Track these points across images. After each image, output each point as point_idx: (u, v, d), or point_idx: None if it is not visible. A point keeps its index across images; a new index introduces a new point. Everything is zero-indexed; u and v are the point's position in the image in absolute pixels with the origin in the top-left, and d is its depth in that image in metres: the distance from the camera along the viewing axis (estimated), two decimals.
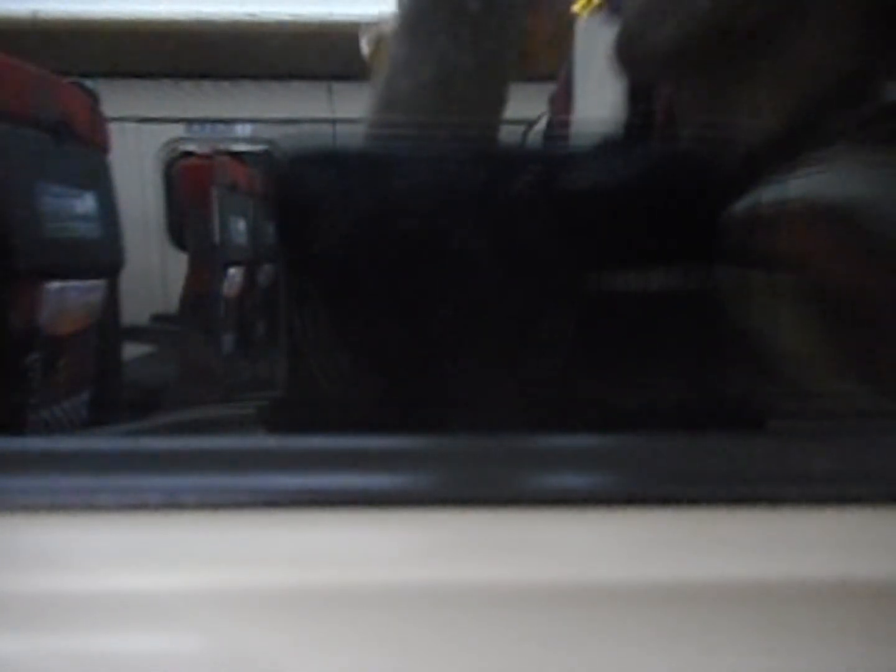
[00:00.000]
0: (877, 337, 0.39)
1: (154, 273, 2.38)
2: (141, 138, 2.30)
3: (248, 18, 1.61)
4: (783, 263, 0.38)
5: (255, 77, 1.89)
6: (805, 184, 0.41)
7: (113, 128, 1.37)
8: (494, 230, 0.32)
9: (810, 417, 0.35)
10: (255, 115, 2.14)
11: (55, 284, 1.08)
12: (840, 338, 0.39)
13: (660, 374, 0.32)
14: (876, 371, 0.39)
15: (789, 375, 0.39)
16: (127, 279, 1.37)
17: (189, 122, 2.39)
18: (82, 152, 1.21)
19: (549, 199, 0.32)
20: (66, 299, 1.12)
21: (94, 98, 1.28)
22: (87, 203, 1.20)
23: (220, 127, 2.47)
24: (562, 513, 0.28)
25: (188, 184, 2.34)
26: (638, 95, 0.54)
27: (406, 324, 0.32)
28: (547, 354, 0.32)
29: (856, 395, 0.39)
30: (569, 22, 0.69)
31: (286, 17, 1.62)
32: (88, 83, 1.29)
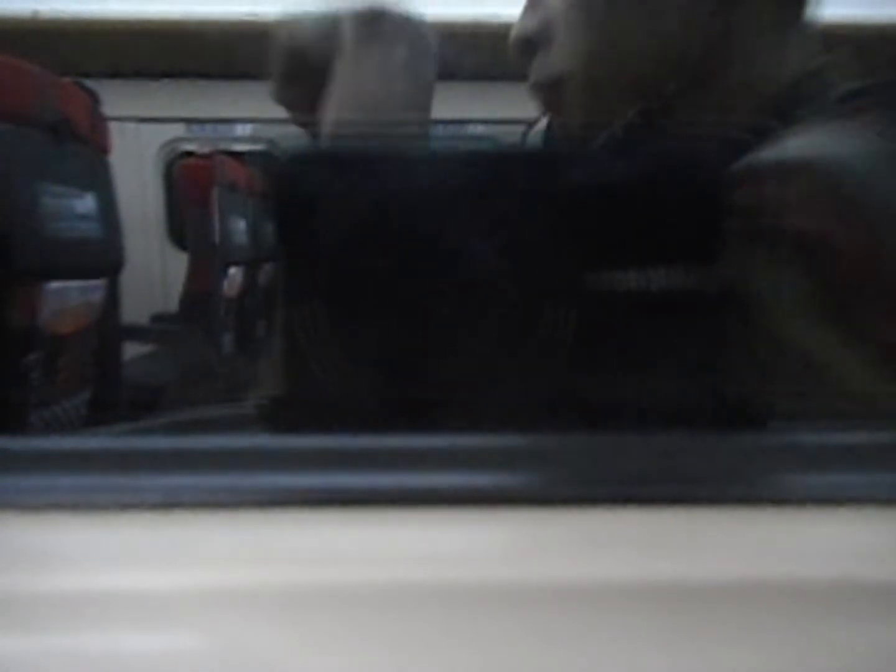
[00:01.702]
0: (862, 296, 0.40)
1: (154, 273, 2.38)
2: (141, 138, 2.30)
3: (249, 18, 1.61)
4: (771, 219, 0.39)
5: (255, 77, 1.89)
6: (791, 145, 0.42)
7: (113, 127, 1.37)
8: (495, 230, 0.32)
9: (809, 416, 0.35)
10: (255, 115, 2.14)
11: (55, 284, 1.08)
12: (831, 296, 0.40)
13: (661, 373, 0.32)
14: (867, 333, 0.39)
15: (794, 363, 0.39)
16: (127, 279, 1.37)
17: (189, 121, 2.39)
18: (82, 152, 1.21)
19: (549, 198, 0.32)
20: (67, 299, 1.12)
21: (94, 98, 1.28)
22: (87, 203, 1.20)
23: (221, 127, 2.47)
24: (563, 511, 0.28)
25: (188, 184, 2.34)
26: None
27: (406, 322, 0.32)
28: (548, 354, 0.32)
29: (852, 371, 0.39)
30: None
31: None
32: (88, 83, 1.29)
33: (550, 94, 0.55)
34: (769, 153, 0.41)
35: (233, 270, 2.23)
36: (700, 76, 0.51)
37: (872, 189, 0.40)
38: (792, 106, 0.49)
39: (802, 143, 0.42)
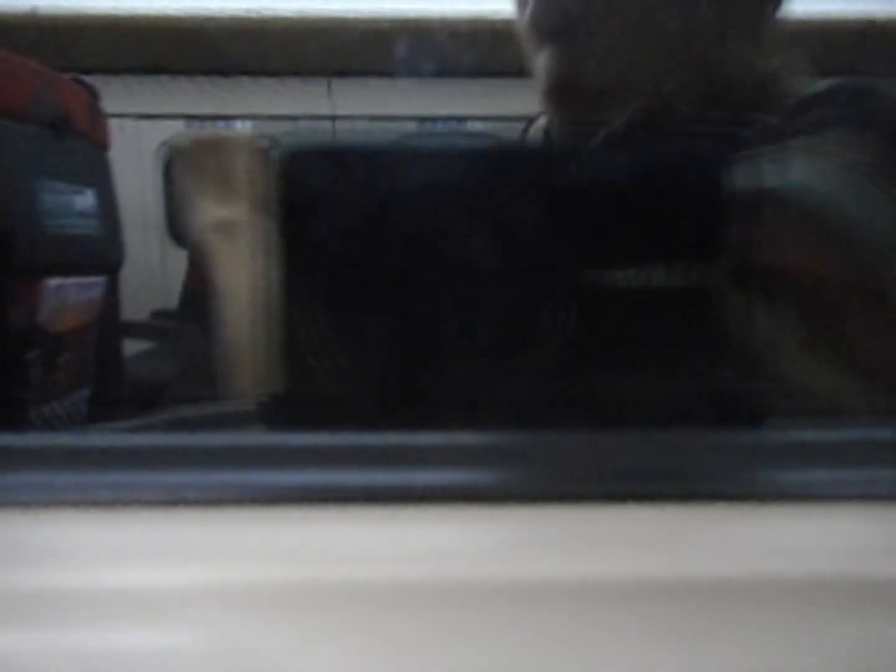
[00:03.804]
0: (840, 323, 0.40)
1: (154, 269, 2.38)
2: (141, 135, 2.29)
3: (248, 14, 1.61)
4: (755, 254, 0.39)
5: (255, 73, 1.89)
6: (757, 172, 0.42)
7: (113, 124, 1.37)
8: (495, 227, 0.32)
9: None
10: (254, 112, 2.14)
11: (55, 281, 1.08)
12: (807, 324, 0.40)
13: (659, 371, 0.32)
14: (844, 358, 0.40)
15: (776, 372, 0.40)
16: (127, 275, 1.37)
17: (189, 118, 2.38)
18: (82, 149, 1.21)
19: (548, 195, 0.32)
20: (66, 296, 1.12)
21: (93, 94, 1.28)
22: (86, 200, 1.19)
23: (221, 123, 2.46)
24: (560, 508, 0.28)
25: None
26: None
27: (406, 320, 0.32)
28: (545, 351, 0.32)
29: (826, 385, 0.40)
30: None
31: (286, 14, 1.62)
32: (88, 79, 1.28)
33: (573, 92, 0.54)
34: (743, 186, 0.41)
35: None
36: (697, 74, 0.51)
37: (846, 216, 0.40)
38: (758, 107, 0.50)
39: (773, 172, 0.42)
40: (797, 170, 0.42)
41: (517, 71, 0.59)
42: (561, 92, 0.55)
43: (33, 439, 0.34)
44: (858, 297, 0.40)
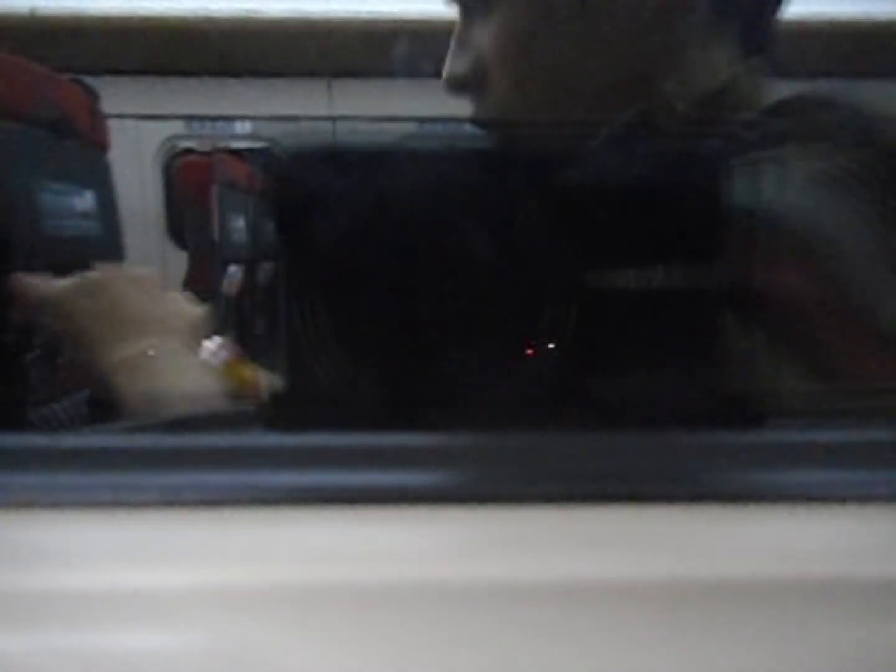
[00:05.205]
0: (815, 332, 0.40)
1: (153, 270, 2.37)
2: (140, 135, 2.29)
3: (248, 15, 1.61)
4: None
5: (255, 74, 1.89)
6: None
7: (112, 125, 1.37)
8: (494, 228, 0.32)
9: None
10: (254, 113, 2.14)
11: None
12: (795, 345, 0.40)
13: (654, 373, 0.32)
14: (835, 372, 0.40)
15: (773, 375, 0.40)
16: None
17: (189, 119, 2.39)
18: (81, 149, 1.21)
19: (547, 196, 0.32)
20: None
21: (92, 95, 1.28)
22: (86, 200, 1.19)
23: (220, 124, 2.47)
24: (549, 508, 0.28)
25: (188, 181, 2.34)
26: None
27: (406, 321, 0.32)
28: (543, 353, 0.32)
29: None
30: None
31: (286, 14, 1.62)
32: (87, 80, 1.28)
33: (495, 129, 0.57)
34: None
35: (232, 268, 2.23)
36: (646, 88, 0.51)
37: (817, 228, 0.40)
38: (720, 113, 0.50)
39: (740, 185, 0.42)
40: (765, 182, 0.42)
41: None
42: (482, 123, 0.57)
43: (32, 440, 0.34)
44: (831, 307, 0.41)
